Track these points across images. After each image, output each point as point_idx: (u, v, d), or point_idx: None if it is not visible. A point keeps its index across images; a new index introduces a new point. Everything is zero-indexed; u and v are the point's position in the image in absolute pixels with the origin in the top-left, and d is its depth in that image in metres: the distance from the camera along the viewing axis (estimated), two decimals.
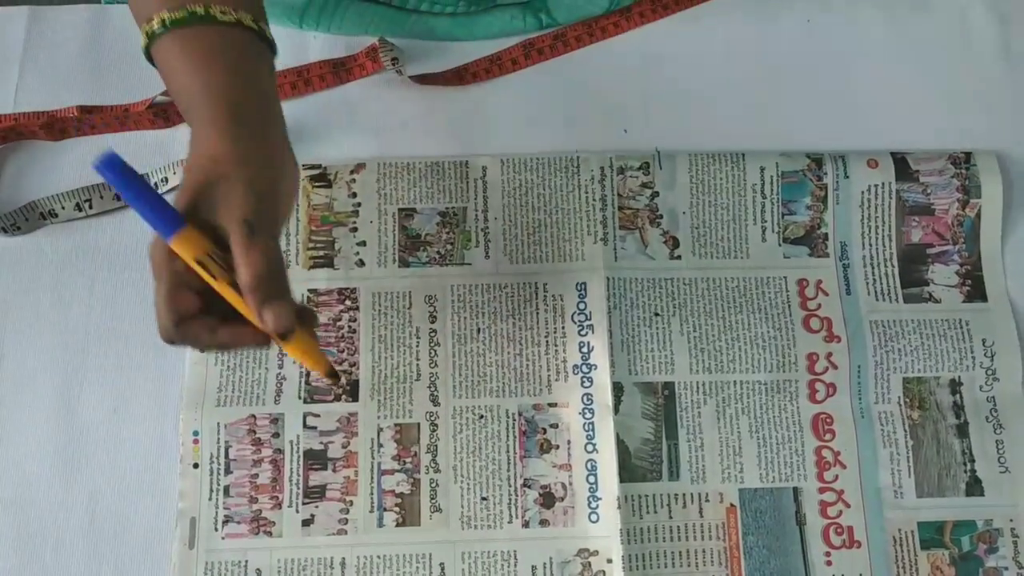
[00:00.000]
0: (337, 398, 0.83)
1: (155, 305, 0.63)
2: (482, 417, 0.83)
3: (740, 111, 0.92)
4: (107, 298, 0.85)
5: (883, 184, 0.89)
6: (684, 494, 0.81)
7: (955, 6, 0.94)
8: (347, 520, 0.80)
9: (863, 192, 0.88)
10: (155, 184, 0.87)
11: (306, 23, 0.93)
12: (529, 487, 0.81)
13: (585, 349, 0.84)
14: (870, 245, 0.87)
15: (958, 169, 0.89)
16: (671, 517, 0.81)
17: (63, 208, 0.86)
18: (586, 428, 0.82)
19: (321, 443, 0.82)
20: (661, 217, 0.87)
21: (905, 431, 0.83)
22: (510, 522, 0.81)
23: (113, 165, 0.61)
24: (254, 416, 0.82)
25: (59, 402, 0.83)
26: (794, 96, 0.92)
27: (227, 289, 0.63)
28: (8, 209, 0.86)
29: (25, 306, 0.85)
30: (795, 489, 0.82)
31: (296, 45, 0.92)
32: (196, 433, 0.81)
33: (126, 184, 0.61)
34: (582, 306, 0.85)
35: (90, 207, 0.87)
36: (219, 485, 0.81)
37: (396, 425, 0.82)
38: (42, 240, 0.87)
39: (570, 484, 0.81)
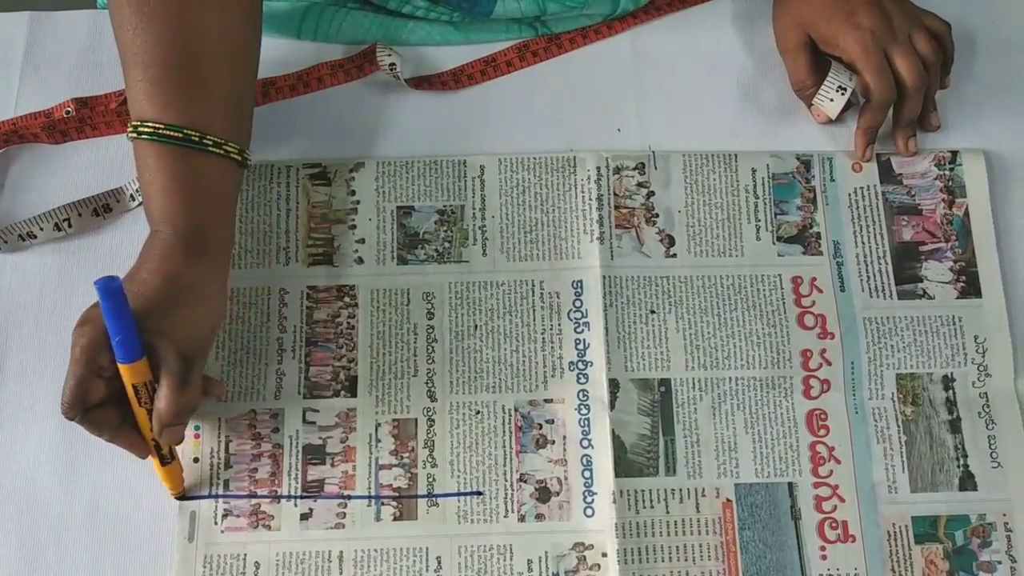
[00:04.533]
0: (336, 394, 0.83)
1: (66, 382, 0.72)
2: (479, 413, 0.83)
3: (730, 111, 0.93)
4: None
5: (868, 187, 0.90)
6: (680, 489, 0.82)
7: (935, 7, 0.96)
8: (345, 514, 0.81)
9: (850, 194, 0.90)
10: (130, 195, 0.88)
11: (304, 34, 0.94)
12: (525, 482, 0.82)
13: (581, 346, 0.85)
14: (862, 243, 0.88)
15: (941, 170, 0.90)
16: (668, 512, 0.81)
17: (41, 230, 0.87)
18: (582, 424, 0.83)
19: (320, 438, 0.82)
20: (657, 216, 0.88)
21: (898, 427, 0.84)
22: (506, 516, 0.81)
23: (111, 290, 0.69)
24: (254, 411, 0.83)
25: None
26: (783, 97, 0.94)
27: (141, 411, 0.74)
28: (6, 218, 0.87)
29: (28, 308, 0.86)
30: (790, 484, 0.83)
31: (294, 48, 0.94)
32: (197, 428, 0.82)
33: (115, 307, 0.70)
34: (578, 303, 0.86)
35: (69, 226, 0.87)
36: (219, 479, 0.81)
37: (394, 420, 0.83)
38: (45, 244, 0.87)
39: (566, 479, 0.82)
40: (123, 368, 0.72)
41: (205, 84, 0.78)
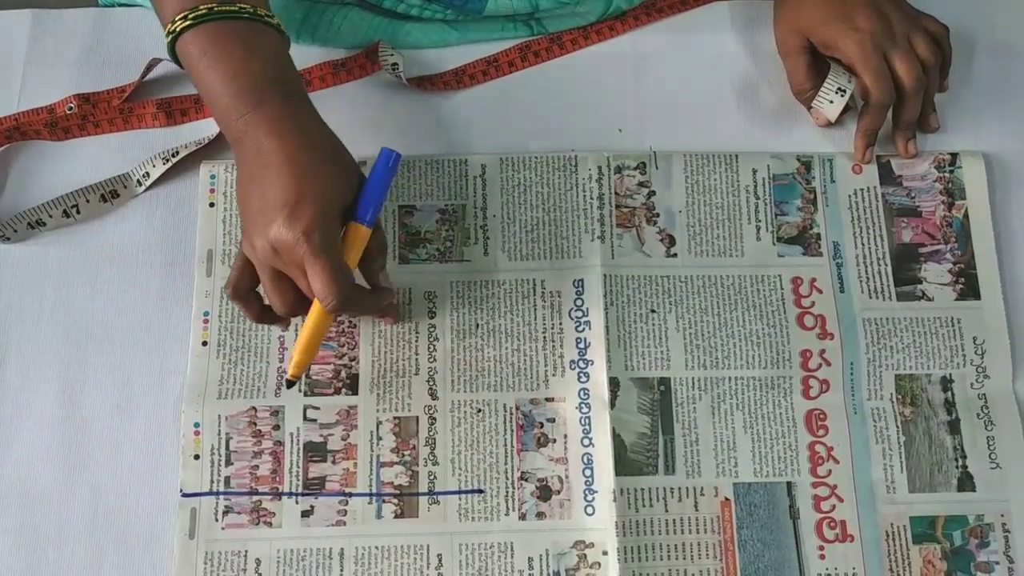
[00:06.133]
0: (337, 391, 0.83)
1: (367, 298, 0.77)
2: (480, 411, 0.84)
3: (731, 113, 0.94)
4: (109, 296, 0.86)
5: (868, 188, 0.90)
6: (679, 488, 0.82)
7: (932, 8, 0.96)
8: (346, 511, 0.81)
9: (850, 196, 0.90)
10: (137, 180, 0.89)
11: (302, 38, 0.94)
12: (526, 480, 0.82)
13: (582, 345, 0.85)
14: (862, 245, 0.88)
15: (941, 172, 0.91)
16: (667, 511, 0.82)
17: (50, 216, 0.87)
18: (582, 422, 0.83)
19: (321, 435, 0.82)
20: (657, 215, 0.88)
21: (897, 427, 0.84)
22: (507, 514, 0.81)
23: (391, 161, 0.76)
24: (255, 408, 0.83)
25: (63, 398, 0.84)
26: (783, 99, 0.94)
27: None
28: (9, 215, 0.87)
29: (29, 305, 0.86)
30: (789, 484, 0.83)
31: (297, 48, 0.93)
32: (197, 425, 0.82)
33: (386, 177, 0.76)
34: (579, 302, 0.86)
35: (78, 212, 0.88)
36: (220, 476, 0.81)
37: (395, 418, 0.83)
38: (45, 239, 0.88)
39: (566, 477, 0.82)
40: (362, 232, 0.75)
41: None
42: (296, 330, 0.84)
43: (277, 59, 0.77)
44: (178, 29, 0.75)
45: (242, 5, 0.75)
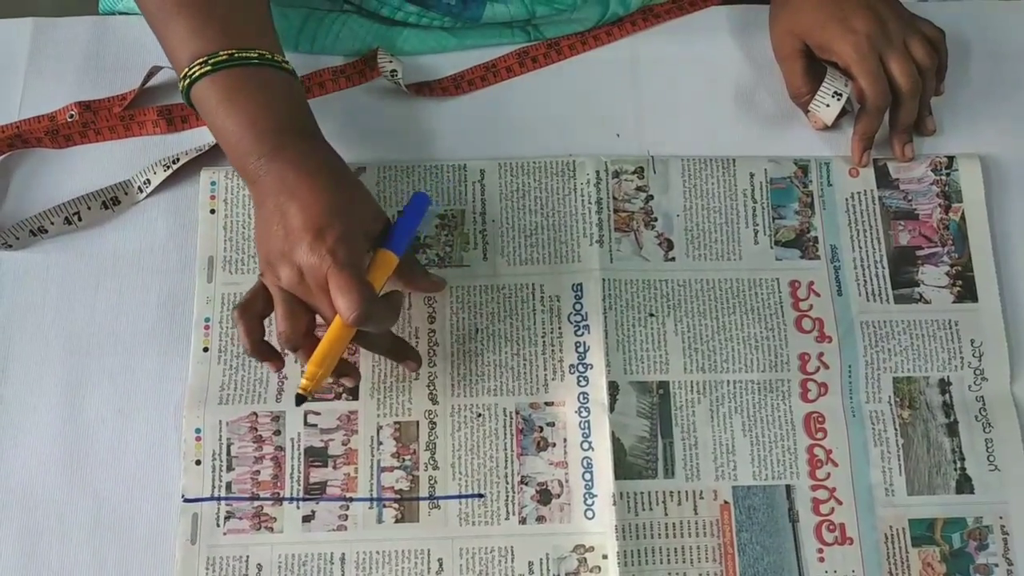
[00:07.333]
0: (338, 396, 0.84)
1: (387, 312, 0.76)
2: (480, 415, 0.84)
3: (728, 117, 0.94)
4: (111, 302, 0.87)
5: (865, 191, 0.91)
6: (679, 491, 0.83)
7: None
8: (347, 516, 0.81)
9: (847, 199, 0.90)
10: (138, 187, 0.89)
11: (301, 45, 0.95)
12: (526, 484, 0.82)
13: (581, 349, 0.85)
14: (860, 248, 0.89)
15: (938, 175, 0.91)
16: (666, 514, 0.82)
17: (52, 223, 0.87)
18: (582, 426, 0.83)
19: (322, 441, 0.83)
20: (655, 220, 0.89)
21: (896, 430, 0.85)
22: (507, 519, 0.82)
23: (423, 202, 0.82)
24: (256, 414, 0.83)
25: (65, 404, 0.84)
26: (780, 103, 0.94)
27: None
28: (11, 222, 0.88)
29: (31, 311, 0.86)
30: (788, 487, 0.83)
31: (296, 54, 0.94)
32: (198, 431, 0.82)
33: (417, 216, 0.81)
34: (578, 307, 0.86)
35: (79, 219, 0.88)
36: (221, 481, 0.82)
37: (395, 423, 0.83)
38: (47, 246, 0.88)
39: (566, 481, 0.82)
40: (391, 258, 0.77)
41: (249, 9, 0.79)
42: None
43: (295, 102, 0.78)
44: (196, 74, 0.76)
45: (260, 51, 0.76)
